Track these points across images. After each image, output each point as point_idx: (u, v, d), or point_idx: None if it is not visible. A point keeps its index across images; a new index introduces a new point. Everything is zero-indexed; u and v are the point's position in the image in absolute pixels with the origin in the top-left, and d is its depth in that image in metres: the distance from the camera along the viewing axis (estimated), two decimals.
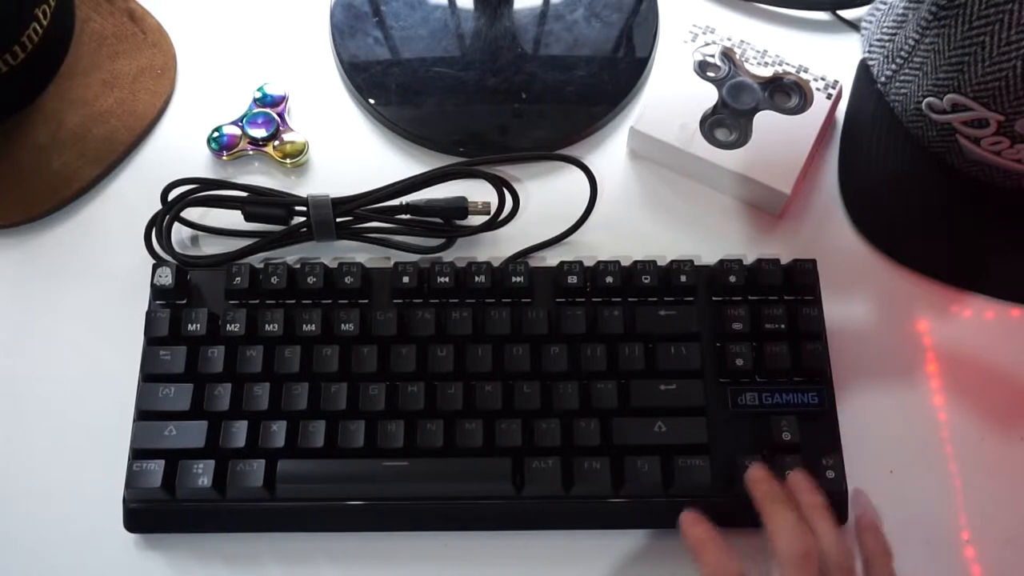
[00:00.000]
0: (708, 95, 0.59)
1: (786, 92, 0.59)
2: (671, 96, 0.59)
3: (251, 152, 0.60)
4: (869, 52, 0.62)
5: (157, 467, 0.49)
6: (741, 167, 0.57)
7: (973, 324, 0.56)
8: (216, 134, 0.60)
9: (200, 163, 0.61)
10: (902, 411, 0.54)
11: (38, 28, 0.57)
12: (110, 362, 0.54)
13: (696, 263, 0.54)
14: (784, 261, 0.55)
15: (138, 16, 0.64)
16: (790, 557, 0.43)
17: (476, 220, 0.57)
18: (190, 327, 0.52)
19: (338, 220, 0.56)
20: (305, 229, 0.56)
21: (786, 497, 0.46)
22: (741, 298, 0.54)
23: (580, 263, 0.54)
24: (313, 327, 0.52)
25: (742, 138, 0.58)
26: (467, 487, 0.50)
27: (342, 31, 0.63)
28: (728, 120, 0.58)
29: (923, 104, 0.57)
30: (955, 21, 0.52)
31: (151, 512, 0.50)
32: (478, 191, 0.57)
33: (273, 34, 0.65)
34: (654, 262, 0.54)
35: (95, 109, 0.60)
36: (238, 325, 0.52)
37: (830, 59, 0.62)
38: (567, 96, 0.61)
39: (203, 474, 0.49)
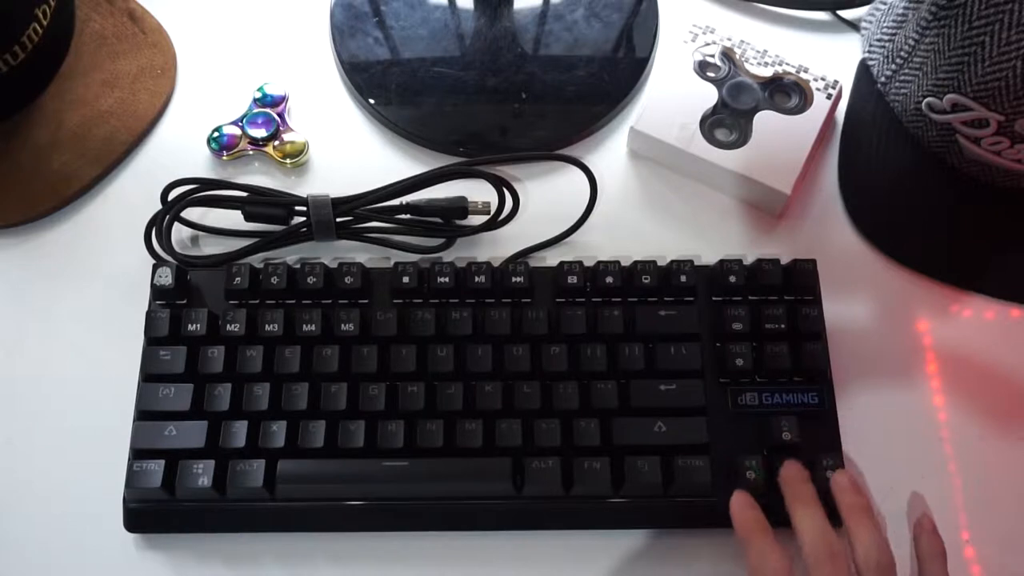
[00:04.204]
0: (708, 95, 0.59)
1: (786, 92, 0.59)
2: (671, 96, 0.59)
3: (251, 152, 0.60)
4: (869, 52, 0.62)
5: (157, 467, 0.49)
6: (741, 167, 0.57)
7: (973, 324, 0.56)
8: (216, 134, 0.60)
9: (200, 163, 0.61)
10: (902, 411, 0.54)
11: (38, 28, 0.57)
12: (110, 362, 0.54)
13: (696, 263, 0.54)
14: (784, 261, 0.55)
15: (138, 16, 0.64)
16: (816, 557, 0.43)
17: (476, 220, 0.57)
18: (190, 327, 0.52)
19: (338, 220, 0.56)
20: (305, 229, 0.56)
21: (814, 499, 0.46)
22: (741, 298, 0.54)
23: (580, 263, 0.54)
24: (313, 327, 0.52)
25: (742, 138, 0.58)
26: (467, 487, 0.50)
27: (342, 31, 0.63)
28: (728, 120, 0.58)
29: (923, 104, 0.57)
30: (955, 21, 0.52)
31: (151, 512, 0.50)
32: (478, 191, 0.57)
33: (273, 34, 0.65)
34: (654, 262, 0.54)
35: (95, 109, 0.60)
36: (238, 325, 0.52)
37: (830, 59, 0.62)
38: (567, 96, 0.61)
39: (203, 474, 0.49)
